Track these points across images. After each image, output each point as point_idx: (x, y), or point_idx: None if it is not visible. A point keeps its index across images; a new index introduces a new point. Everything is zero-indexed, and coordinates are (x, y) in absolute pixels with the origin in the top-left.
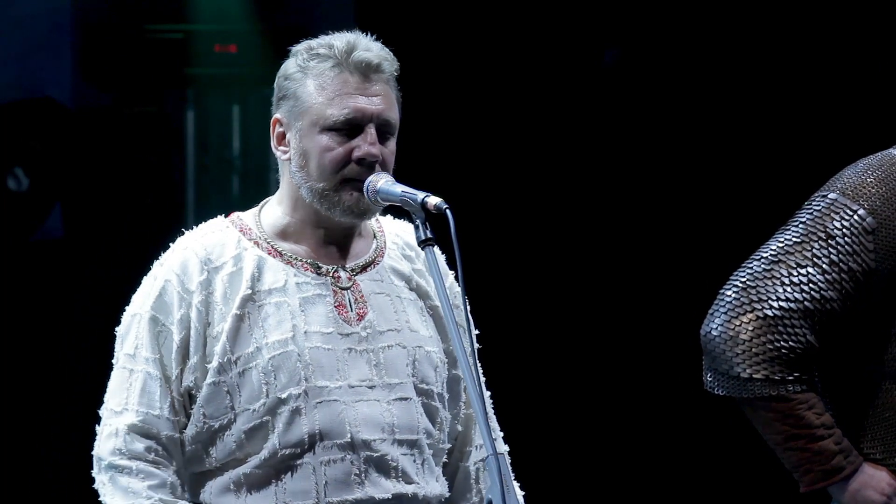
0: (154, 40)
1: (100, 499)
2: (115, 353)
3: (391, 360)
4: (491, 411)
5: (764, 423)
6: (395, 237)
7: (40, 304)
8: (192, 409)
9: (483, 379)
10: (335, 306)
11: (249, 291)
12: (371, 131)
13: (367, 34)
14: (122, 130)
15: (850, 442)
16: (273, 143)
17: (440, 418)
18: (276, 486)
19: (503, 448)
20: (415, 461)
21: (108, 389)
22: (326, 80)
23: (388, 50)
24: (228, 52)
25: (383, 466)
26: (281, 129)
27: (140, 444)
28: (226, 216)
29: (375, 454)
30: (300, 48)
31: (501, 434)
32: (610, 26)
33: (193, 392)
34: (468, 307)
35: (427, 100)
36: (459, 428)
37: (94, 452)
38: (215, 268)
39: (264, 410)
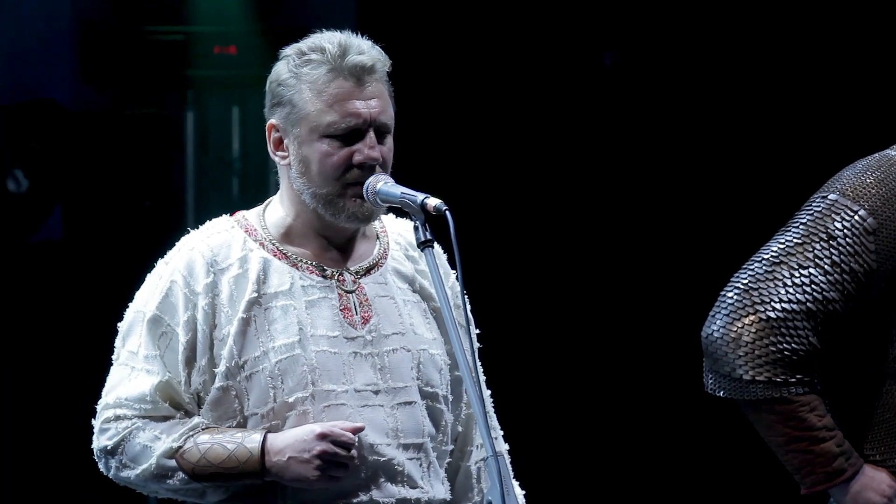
0: (154, 42)
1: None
2: (116, 349)
3: (396, 363)
4: (491, 410)
5: (766, 426)
6: (397, 237)
7: (39, 306)
8: (199, 412)
9: (483, 378)
10: (340, 310)
11: (255, 294)
12: (370, 135)
13: (357, 33)
14: (121, 132)
15: (851, 443)
16: (270, 148)
17: (444, 421)
18: (282, 489)
19: (503, 447)
20: (420, 465)
21: (106, 383)
22: (321, 86)
23: (378, 48)
24: (228, 53)
25: (389, 471)
26: (278, 135)
27: (127, 410)
28: (231, 215)
29: (381, 459)
30: (290, 52)
31: (502, 433)
32: (610, 29)
33: (202, 395)
34: (468, 307)
35: (428, 100)
36: (460, 428)
37: (93, 446)
38: (221, 269)
39: (272, 415)
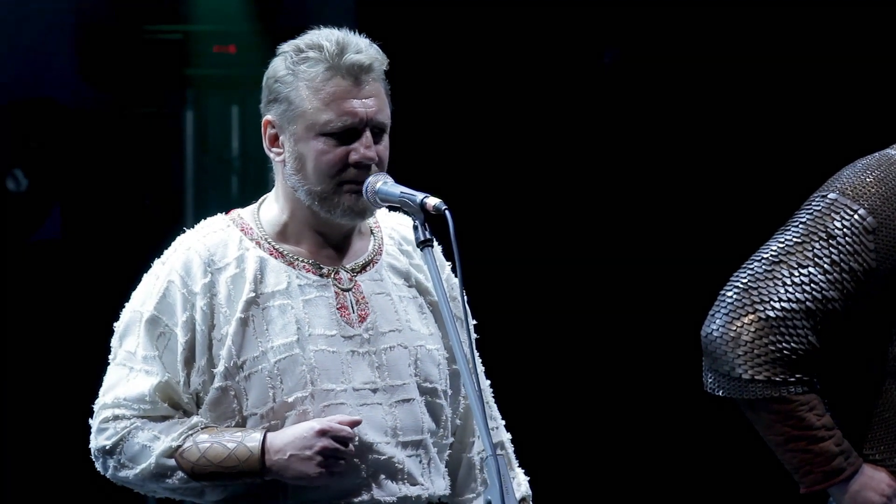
0: (153, 41)
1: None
2: (113, 350)
3: (393, 361)
4: (491, 401)
5: (765, 425)
6: (391, 231)
7: (39, 305)
8: (198, 412)
9: (482, 368)
10: (337, 308)
11: (253, 294)
12: (366, 134)
13: (355, 31)
14: (121, 131)
15: (851, 443)
16: (266, 144)
17: (444, 416)
18: (282, 489)
19: (505, 436)
20: (420, 462)
21: (103, 383)
22: (319, 84)
23: (376, 47)
24: (227, 52)
25: (389, 469)
26: (273, 131)
27: (124, 411)
28: (225, 213)
29: (382, 457)
30: (288, 49)
31: (503, 422)
32: (610, 27)
33: (201, 395)
34: (467, 305)
35: (427, 99)
36: (458, 421)
37: (90, 446)
38: (218, 269)
39: (272, 414)
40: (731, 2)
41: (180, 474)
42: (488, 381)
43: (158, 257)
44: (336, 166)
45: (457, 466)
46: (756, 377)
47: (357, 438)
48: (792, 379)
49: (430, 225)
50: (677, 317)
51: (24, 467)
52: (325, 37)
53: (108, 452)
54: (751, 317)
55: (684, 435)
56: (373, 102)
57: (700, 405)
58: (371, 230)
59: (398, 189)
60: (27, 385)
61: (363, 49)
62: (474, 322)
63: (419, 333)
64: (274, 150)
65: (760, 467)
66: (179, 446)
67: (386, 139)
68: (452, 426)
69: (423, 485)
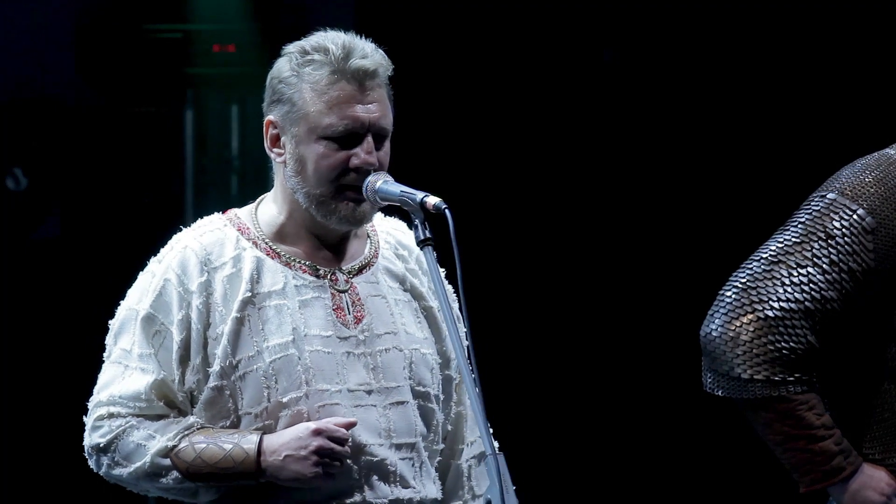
0: (153, 40)
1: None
2: (108, 347)
3: (388, 363)
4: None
5: (764, 424)
6: (387, 236)
7: (38, 304)
8: (193, 411)
9: (475, 375)
10: (333, 309)
11: (249, 294)
12: (368, 139)
13: (360, 35)
14: (121, 130)
15: (850, 442)
16: (267, 144)
17: (435, 420)
18: (275, 490)
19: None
20: (413, 465)
21: (98, 381)
22: (323, 87)
23: (381, 52)
24: (227, 51)
25: (382, 471)
26: (275, 132)
27: (118, 411)
28: (222, 213)
29: (374, 459)
30: (293, 50)
31: (491, 430)
32: (609, 25)
33: (195, 394)
34: (464, 306)
35: (427, 99)
36: (449, 427)
37: (84, 443)
38: (214, 268)
39: (266, 414)
40: (731, 1)
41: (175, 474)
42: (477, 390)
43: (157, 254)
44: (336, 170)
45: (445, 473)
46: (755, 377)
47: (351, 439)
48: (791, 378)
49: (430, 224)
50: (676, 316)
51: (20, 466)
52: (332, 40)
53: (101, 450)
54: (750, 316)
55: (684, 435)
56: (376, 108)
57: (699, 405)
58: (367, 234)
59: (398, 188)
60: (25, 384)
61: (369, 54)
62: (465, 330)
63: (414, 337)
64: (275, 150)
65: (760, 467)
66: (175, 446)
67: (387, 145)
68: (443, 432)
69: (414, 487)
